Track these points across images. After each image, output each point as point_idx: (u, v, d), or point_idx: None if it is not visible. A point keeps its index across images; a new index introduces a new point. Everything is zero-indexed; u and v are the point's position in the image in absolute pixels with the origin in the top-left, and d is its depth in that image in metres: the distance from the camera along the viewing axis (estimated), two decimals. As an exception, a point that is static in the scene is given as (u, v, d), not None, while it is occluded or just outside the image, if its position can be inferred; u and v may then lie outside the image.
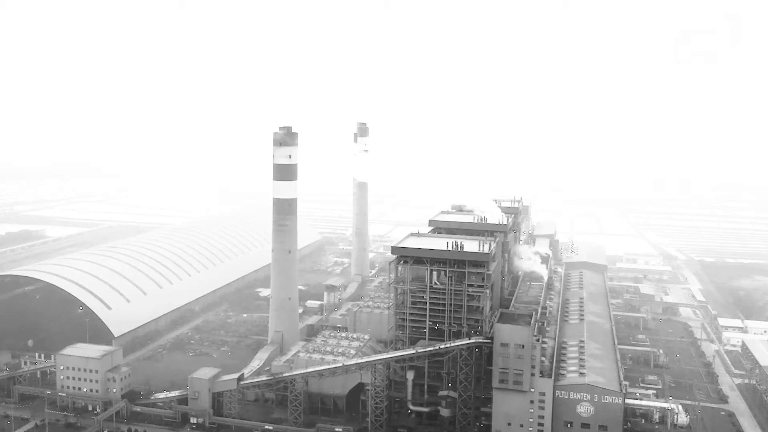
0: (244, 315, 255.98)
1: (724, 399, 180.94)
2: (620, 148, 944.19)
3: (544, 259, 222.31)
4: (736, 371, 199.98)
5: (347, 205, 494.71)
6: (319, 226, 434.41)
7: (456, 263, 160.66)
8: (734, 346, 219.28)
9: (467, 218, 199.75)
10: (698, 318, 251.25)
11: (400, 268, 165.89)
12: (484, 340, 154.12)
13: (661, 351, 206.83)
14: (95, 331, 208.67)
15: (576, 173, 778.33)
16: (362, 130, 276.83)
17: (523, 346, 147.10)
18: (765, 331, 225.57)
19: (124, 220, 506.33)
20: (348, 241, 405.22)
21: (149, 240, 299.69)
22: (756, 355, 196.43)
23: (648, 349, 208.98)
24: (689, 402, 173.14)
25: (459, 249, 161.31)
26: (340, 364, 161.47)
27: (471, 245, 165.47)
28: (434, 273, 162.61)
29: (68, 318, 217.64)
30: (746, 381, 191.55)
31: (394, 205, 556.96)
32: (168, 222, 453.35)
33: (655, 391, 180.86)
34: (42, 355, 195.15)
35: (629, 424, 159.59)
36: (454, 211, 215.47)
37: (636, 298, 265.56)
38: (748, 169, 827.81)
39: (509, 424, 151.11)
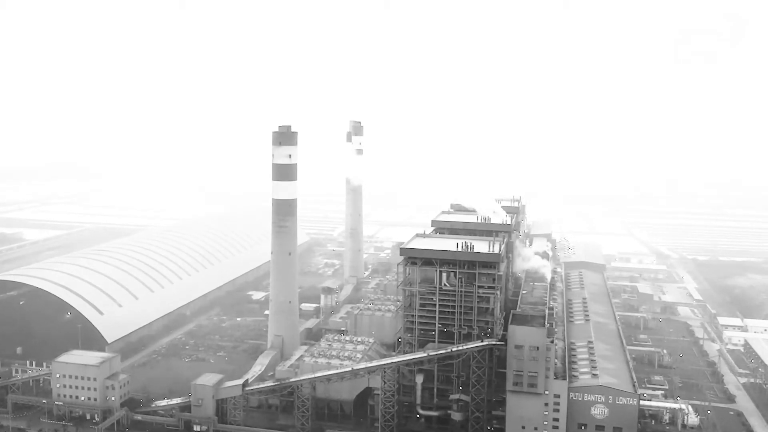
0: (238, 319, 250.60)
1: (731, 398, 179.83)
2: (615, 148, 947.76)
3: (545, 259, 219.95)
4: (741, 370, 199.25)
5: (334, 205, 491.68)
6: (306, 227, 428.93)
7: (466, 264, 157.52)
8: (735, 345, 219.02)
9: (470, 218, 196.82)
10: (697, 317, 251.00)
11: (408, 270, 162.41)
12: (498, 342, 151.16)
13: (664, 351, 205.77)
14: (87, 337, 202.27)
15: (568, 172, 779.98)
16: (356, 129, 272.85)
17: (537, 348, 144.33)
18: (765, 330, 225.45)
19: (102, 222, 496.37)
20: (337, 242, 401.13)
21: (137, 242, 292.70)
22: (760, 354, 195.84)
23: (651, 349, 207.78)
24: (697, 402, 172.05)
25: (469, 250, 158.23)
26: (349, 369, 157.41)
27: (480, 246, 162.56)
28: (444, 274, 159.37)
29: (58, 324, 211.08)
30: (752, 380, 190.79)
31: (383, 205, 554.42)
32: (153, 224, 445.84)
33: (663, 392, 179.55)
34: (34, 363, 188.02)
35: (640, 425, 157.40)
36: (453, 211, 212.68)
37: (634, 297, 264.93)
38: (741, 168, 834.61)
39: (523, 428, 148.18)
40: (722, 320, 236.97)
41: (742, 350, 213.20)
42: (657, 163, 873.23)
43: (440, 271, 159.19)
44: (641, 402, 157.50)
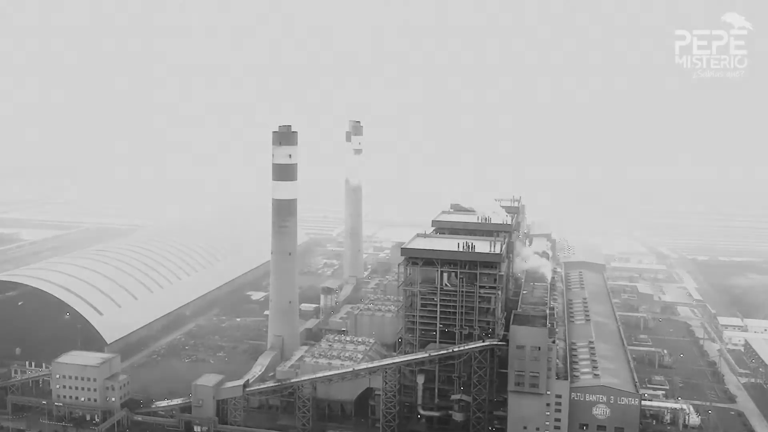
0: (238, 319, 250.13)
1: (732, 399, 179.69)
2: (615, 147, 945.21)
3: (545, 259, 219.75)
4: (741, 370, 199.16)
5: (332, 205, 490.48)
6: (305, 227, 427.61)
7: (467, 264, 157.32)
8: (736, 345, 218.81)
9: (471, 218, 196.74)
10: (697, 317, 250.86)
11: (409, 270, 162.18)
12: (499, 343, 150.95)
13: (665, 351, 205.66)
14: (86, 337, 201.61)
15: (568, 172, 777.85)
16: (356, 129, 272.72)
17: (539, 348, 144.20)
18: (765, 330, 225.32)
19: (101, 222, 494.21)
20: (336, 242, 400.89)
21: (136, 242, 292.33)
22: (761, 354, 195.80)
23: (652, 349, 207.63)
24: (698, 402, 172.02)
25: (471, 250, 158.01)
26: (351, 369, 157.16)
27: (480, 246, 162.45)
28: (445, 275, 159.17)
29: (57, 324, 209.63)
30: (752, 380, 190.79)
31: (383, 205, 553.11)
32: (152, 224, 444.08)
33: (664, 392, 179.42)
34: (33, 364, 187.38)
35: (641, 425, 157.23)
36: (453, 211, 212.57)
37: (634, 297, 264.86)
38: (740, 168, 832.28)
39: (525, 428, 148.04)
40: (722, 320, 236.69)
41: (743, 350, 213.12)
42: (657, 162, 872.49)
43: (441, 272, 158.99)
44: (642, 402, 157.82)
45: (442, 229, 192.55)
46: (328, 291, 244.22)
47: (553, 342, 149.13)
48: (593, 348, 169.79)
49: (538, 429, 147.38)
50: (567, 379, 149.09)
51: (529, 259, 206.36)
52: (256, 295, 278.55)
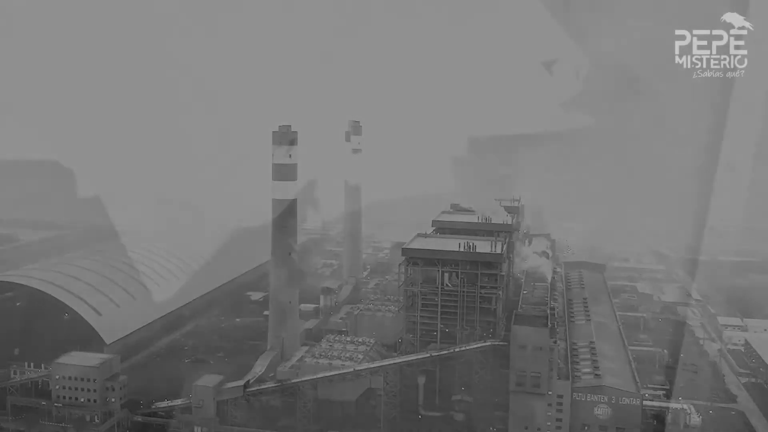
0: (237, 320, 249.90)
1: (732, 399, 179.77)
2: (614, 145, 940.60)
3: (545, 258, 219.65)
4: (741, 370, 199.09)
5: (332, 205, 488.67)
6: (304, 227, 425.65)
7: (468, 264, 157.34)
8: (736, 345, 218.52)
9: (471, 218, 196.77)
10: (697, 317, 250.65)
11: (409, 270, 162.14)
12: (500, 343, 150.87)
13: (665, 351, 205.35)
14: (85, 338, 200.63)
15: (567, 170, 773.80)
16: (355, 129, 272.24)
17: (541, 348, 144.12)
18: (766, 330, 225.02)
19: (99, 222, 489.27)
20: (336, 242, 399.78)
21: (134, 242, 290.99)
22: (761, 354, 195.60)
23: (652, 349, 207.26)
24: (699, 402, 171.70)
25: (471, 250, 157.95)
26: (351, 369, 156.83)
27: (481, 246, 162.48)
28: (445, 275, 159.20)
29: (56, 325, 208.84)
30: (753, 380, 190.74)
31: (382, 205, 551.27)
32: (150, 224, 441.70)
33: (664, 392, 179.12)
34: (32, 365, 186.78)
35: (642, 425, 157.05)
36: (453, 211, 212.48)
37: (634, 297, 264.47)
38: (740, 166, 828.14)
39: (526, 428, 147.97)
40: (722, 320, 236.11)
41: (743, 350, 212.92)
42: (656, 161, 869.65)
43: (442, 272, 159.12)
44: (646, 402, 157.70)
45: (443, 229, 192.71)
46: (327, 291, 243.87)
47: (555, 342, 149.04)
48: (594, 348, 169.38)
49: (539, 429, 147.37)
50: (568, 379, 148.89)
51: (529, 259, 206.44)
52: (256, 296, 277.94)
